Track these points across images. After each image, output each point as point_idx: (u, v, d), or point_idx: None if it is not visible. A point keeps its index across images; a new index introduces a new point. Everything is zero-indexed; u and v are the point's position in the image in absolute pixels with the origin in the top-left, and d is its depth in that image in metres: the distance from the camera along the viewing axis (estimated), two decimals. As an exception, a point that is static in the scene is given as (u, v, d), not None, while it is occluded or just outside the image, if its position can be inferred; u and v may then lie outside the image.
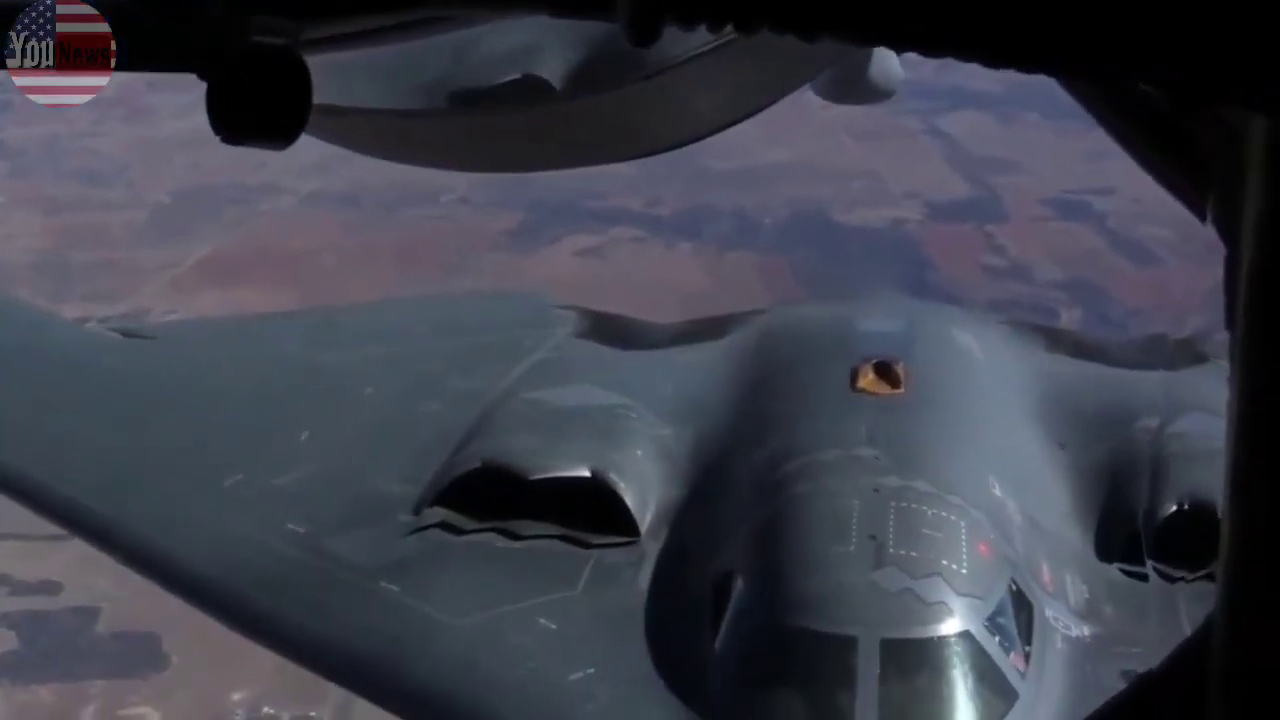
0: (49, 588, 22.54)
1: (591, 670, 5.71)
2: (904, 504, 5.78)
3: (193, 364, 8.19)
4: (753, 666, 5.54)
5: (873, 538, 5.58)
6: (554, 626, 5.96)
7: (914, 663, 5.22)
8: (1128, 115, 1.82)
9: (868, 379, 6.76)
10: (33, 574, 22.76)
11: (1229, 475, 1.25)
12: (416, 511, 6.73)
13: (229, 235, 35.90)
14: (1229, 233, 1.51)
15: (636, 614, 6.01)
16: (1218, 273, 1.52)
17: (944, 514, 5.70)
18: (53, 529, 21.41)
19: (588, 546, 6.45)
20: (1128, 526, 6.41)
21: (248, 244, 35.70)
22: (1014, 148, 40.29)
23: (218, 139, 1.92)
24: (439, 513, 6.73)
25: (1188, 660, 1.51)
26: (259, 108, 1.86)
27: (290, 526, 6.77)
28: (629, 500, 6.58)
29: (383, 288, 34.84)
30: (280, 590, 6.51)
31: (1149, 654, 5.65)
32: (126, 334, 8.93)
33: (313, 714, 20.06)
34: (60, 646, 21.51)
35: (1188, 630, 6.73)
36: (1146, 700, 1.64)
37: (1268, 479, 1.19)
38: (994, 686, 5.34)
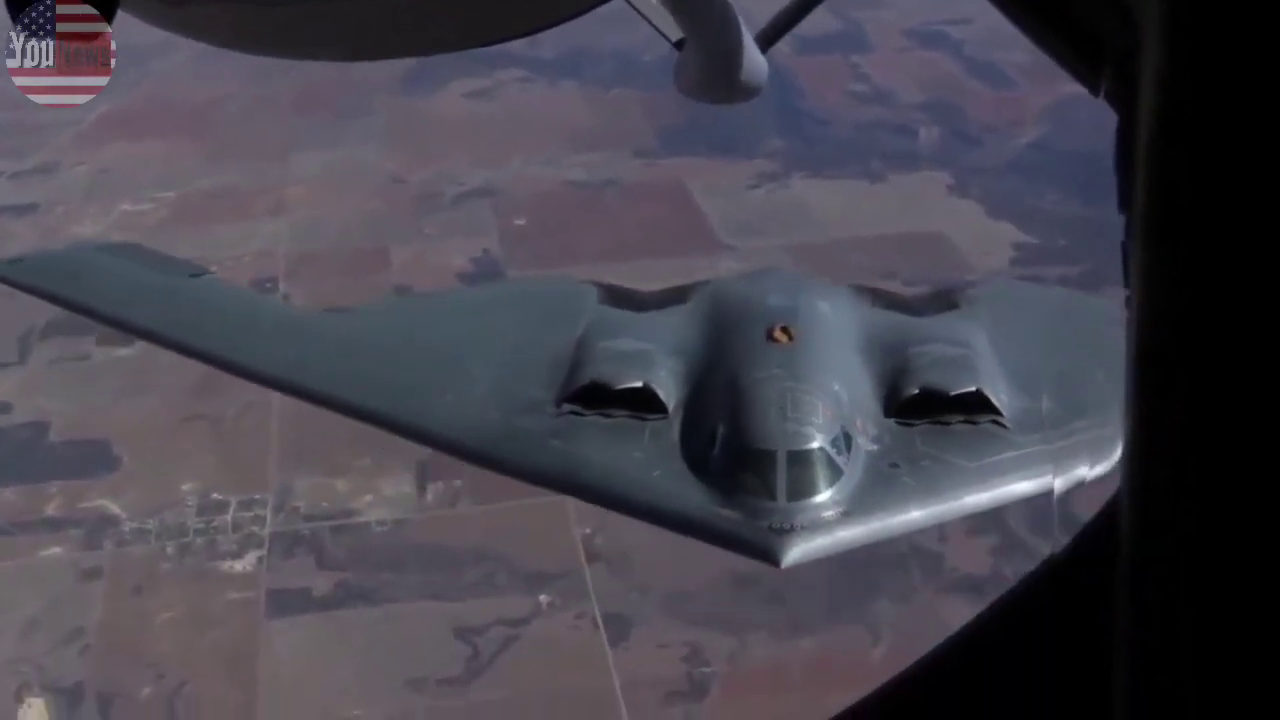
0: (-1, 408, 23.88)
1: (659, 471, 10.61)
2: (796, 395, 10.73)
3: (383, 329, 12.96)
4: (732, 463, 10.38)
5: (782, 409, 10.53)
6: (640, 455, 10.83)
7: (801, 460, 10.21)
8: None
9: (775, 334, 11.65)
10: (-19, 399, 23.87)
11: (1132, 339, 1.23)
12: (557, 405, 11.36)
13: (127, 92, 36.52)
14: (1123, 103, 1.54)
15: (675, 448, 10.90)
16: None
17: (813, 399, 10.71)
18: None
19: (645, 420, 11.18)
20: (897, 400, 11.26)
21: (147, 99, 36.29)
22: (877, -18, 42.24)
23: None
24: (570, 406, 11.34)
25: (1090, 542, 1.57)
26: None
27: (491, 415, 11.35)
28: (661, 396, 11.30)
29: (285, 132, 36.25)
30: (496, 445, 11.26)
31: (897, 453, 10.70)
32: (330, 310, 14.09)
33: (257, 497, 21.84)
34: (17, 455, 22.83)
35: (919, 444, 11.38)
36: (1054, 579, 1.72)
37: (1170, 339, 1.17)
38: (833, 469, 10.32)
